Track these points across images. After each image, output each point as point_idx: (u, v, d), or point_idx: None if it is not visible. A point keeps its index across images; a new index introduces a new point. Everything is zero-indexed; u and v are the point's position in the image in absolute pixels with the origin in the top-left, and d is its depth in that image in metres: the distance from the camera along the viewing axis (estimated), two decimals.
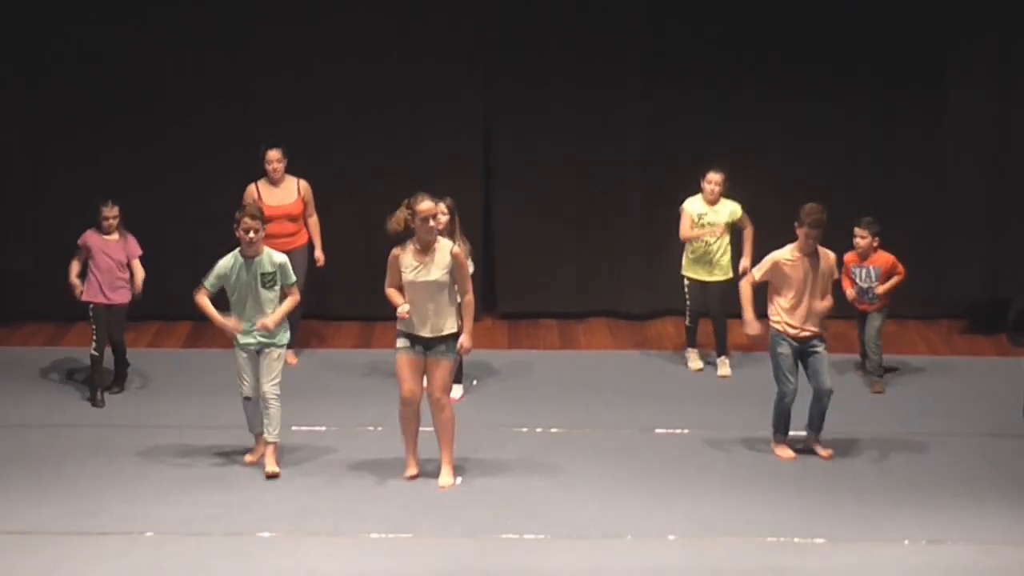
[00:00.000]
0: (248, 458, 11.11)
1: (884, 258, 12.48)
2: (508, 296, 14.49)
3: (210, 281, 10.93)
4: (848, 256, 12.44)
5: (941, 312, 14.15)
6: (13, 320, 14.09)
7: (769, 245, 11.42)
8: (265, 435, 10.97)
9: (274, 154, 12.95)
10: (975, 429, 11.77)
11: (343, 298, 13.99)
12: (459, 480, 10.79)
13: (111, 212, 12.41)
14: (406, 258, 10.51)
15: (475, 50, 14.06)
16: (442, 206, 11.09)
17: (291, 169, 13.07)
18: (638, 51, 14.03)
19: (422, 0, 13.99)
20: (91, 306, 12.45)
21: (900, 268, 12.48)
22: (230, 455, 11.18)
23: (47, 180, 14.00)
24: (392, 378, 12.13)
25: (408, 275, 10.48)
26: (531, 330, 14.14)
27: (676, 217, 12.98)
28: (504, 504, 10.44)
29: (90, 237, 12.46)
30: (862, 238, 12.42)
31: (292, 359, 12.91)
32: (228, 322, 10.89)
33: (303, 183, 13.11)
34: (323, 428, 11.66)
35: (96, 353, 12.41)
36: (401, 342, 10.66)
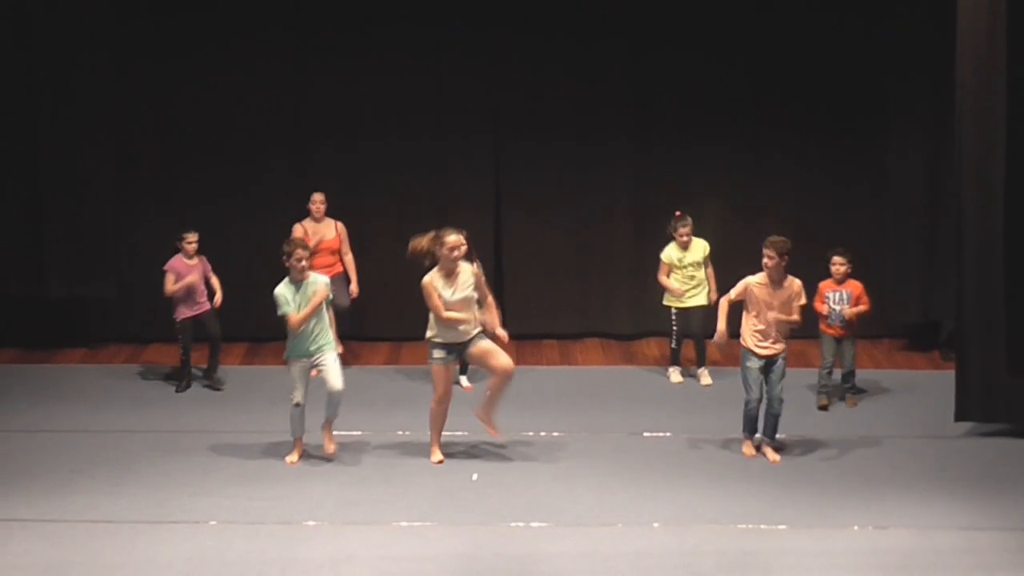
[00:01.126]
0: (289, 459, 11.07)
1: (856, 284, 12.32)
2: (516, 319, 14.07)
3: (286, 308, 10.84)
4: (825, 283, 12.17)
5: (883, 332, 14.00)
6: (98, 341, 14.06)
7: (739, 274, 11.33)
8: (330, 417, 10.99)
9: (318, 196, 13.13)
10: (913, 432, 11.77)
11: (375, 321, 13.84)
12: (475, 476, 10.81)
13: (193, 238, 12.66)
14: (438, 284, 10.74)
15: (490, 120, 14.04)
16: (461, 237, 11.23)
17: (332, 212, 13.16)
18: (627, 117, 14.00)
19: (446, 76, 13.93)
20: (178, 322, 12.65)
21: (866, 299, 12.28)
22: (280, 456, 11.17)
23: (131, 221, 13.93)
24: (418, 389, 12.40)
25: (448, 296, 10.72)
26: (535, 349, 14.06)
27: (657, 255, 12.93)
28: (513, 496, 10.47)
29: (175, 263, 12.63)
30: (843, 264, 12.16)
31: (339, 348, 12.94)
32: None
33: (339, 224, 13.24)
34: (359, 433, 11.64)
35: (185, 357, 12.68)
36: (438, 353, 10.81)
